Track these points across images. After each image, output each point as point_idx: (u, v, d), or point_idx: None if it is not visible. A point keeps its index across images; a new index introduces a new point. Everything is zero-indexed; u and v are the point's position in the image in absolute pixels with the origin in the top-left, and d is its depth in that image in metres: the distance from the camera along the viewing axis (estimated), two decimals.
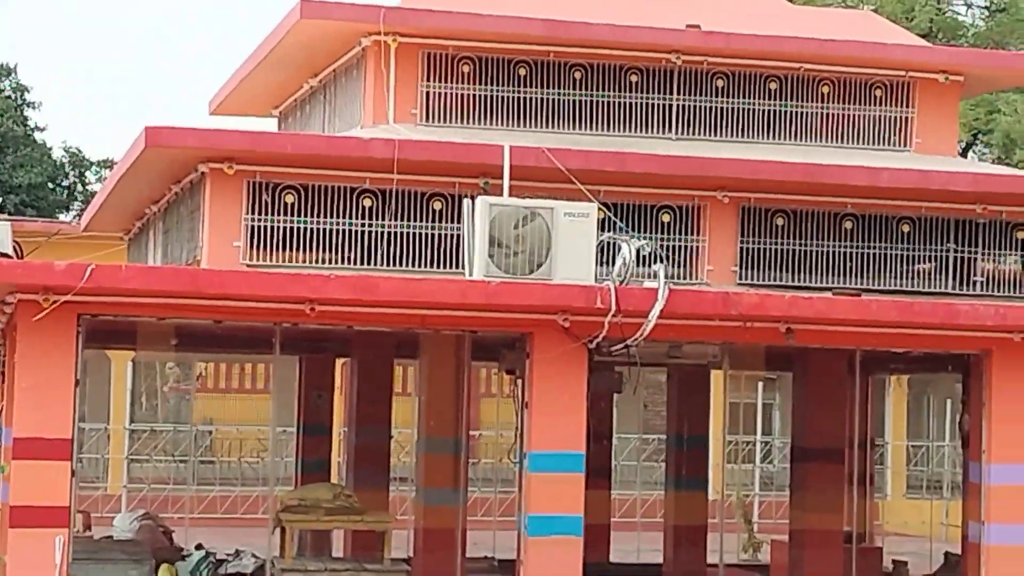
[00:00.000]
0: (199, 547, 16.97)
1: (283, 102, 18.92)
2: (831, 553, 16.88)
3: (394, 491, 20.66)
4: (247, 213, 14.11)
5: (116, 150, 65.10)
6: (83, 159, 48.77)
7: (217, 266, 13.60)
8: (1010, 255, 15.66)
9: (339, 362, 21.94)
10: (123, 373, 29.39)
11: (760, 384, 31.66)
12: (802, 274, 15.11)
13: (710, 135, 16.21)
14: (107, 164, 49.05)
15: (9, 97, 45.67)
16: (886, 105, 16.68)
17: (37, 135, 46.85)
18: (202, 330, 15.00)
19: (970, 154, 38.65)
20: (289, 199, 14.19)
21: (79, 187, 48.67)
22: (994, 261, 15.66)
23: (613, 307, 12.60)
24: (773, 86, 16.50)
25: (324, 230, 14.20)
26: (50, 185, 46.85)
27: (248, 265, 13.95)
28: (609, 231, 13.63)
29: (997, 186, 15.45)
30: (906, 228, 15.41)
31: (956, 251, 15.46)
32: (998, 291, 15.50)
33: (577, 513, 12.91)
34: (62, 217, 43.46)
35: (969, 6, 38.28)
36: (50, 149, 47.36)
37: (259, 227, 14.12)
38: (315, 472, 19.99)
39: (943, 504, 27.19)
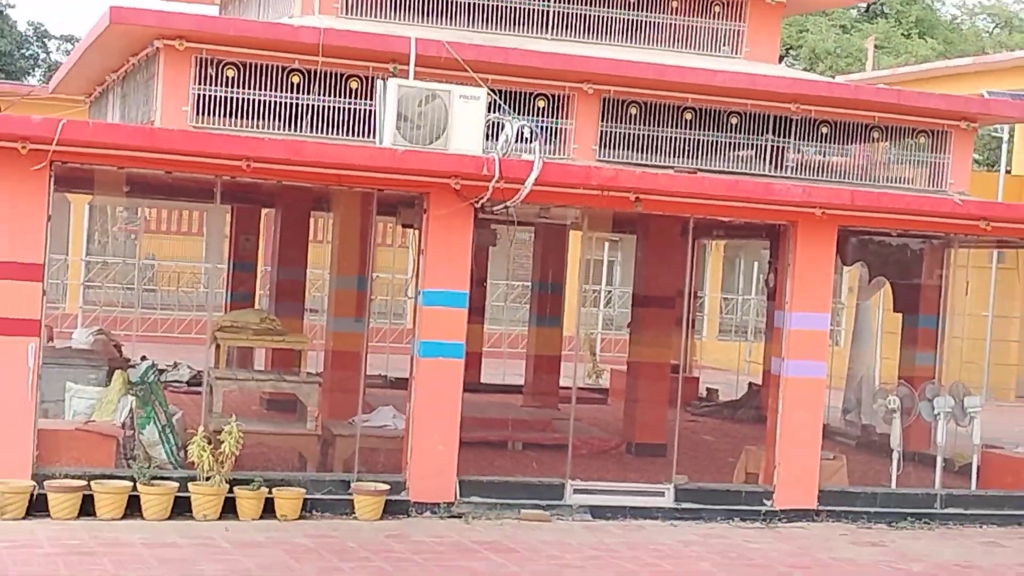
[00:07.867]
0: (144, 358, 16.84)
1: None
2: (660, 381, 17.21)
3: (307, 320, 20.66)
4: (195, 84, 13.85)
5: (76, 26, 63.16)
6: (46, 32, 47.49)
7: (169, 126, 13.37)
8: (815, 146, 15.90)
9: (264, 212, 21.78)
10: (81, 213, 29.01)
11: (607, 244, 32.02)
12: (650, 154, 15.22)
13: (581, 37, 16.16)
14: (68, 38, 47.72)
15: None
16: (723, 20, 16.73)
17: (6, 11, 45.48)
18: (151, 179, 14.81)
19: (783, 63, 38.93)
20: (230, 73, 13.96)
21: (41, 56, 47.41)
22: (802, 151, 15.88)
23: (497, 174, 12.64)
24: None
25: (259, 101, 14.00)
26: (15, 53, 45.61)
27: (195, 127, 13.74)
28: (495, 112, 13.60)
29: (808, 89, 15.63)
30: (734, 121, 15.55)
31: (773, 141, 15.67)
32: (804, 175, 15.76)
33: (460, 340, 13.02)
34: (28, 81, 42.37)
35: None
36: (15, 23, 46.05)
37: (204, 96, 13.88)
38: (242, 302, 19.93)
39: (747, 345, 27.81)
